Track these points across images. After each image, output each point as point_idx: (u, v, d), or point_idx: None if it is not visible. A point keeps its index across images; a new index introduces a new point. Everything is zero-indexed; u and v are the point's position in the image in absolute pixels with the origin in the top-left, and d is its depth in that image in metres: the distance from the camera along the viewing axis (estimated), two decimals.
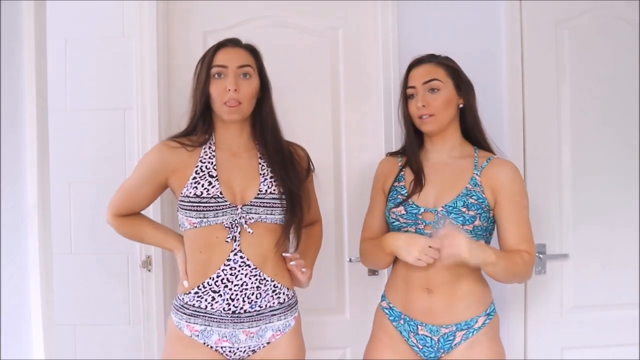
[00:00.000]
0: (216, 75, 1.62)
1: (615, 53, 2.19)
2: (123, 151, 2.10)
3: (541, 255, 2.16)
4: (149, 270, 2.08)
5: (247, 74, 1.64)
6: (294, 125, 2.15)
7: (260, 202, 1.61)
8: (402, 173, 1.74)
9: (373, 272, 2.14)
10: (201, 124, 1.66)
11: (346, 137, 2.17)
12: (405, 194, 1.68)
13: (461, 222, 1.60)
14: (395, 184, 1.73)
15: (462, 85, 1.68)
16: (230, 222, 1.60)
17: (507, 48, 2.15)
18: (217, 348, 1.64)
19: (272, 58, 2.12)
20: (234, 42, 1.68)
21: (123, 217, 1.72)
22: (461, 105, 1.69)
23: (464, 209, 1.61)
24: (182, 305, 1.65)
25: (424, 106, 1.66)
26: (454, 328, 1.63)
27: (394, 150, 1.91)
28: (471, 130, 1.72)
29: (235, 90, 1.60)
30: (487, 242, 1.68)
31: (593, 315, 2.18)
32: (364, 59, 2.17)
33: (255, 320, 1.64)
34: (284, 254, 1.66)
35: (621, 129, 2.19)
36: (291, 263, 1.64)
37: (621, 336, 2.17)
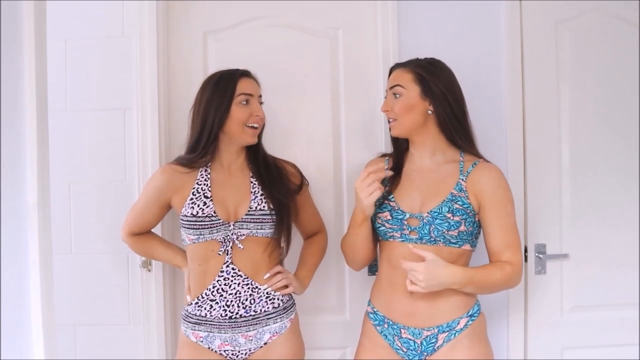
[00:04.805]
0: (244, 102, 1.74)
1: (615, 53, 2.19)
2: (123, 151, 2.10)
3: (541, 255, 2.16)
4: (149, 270, 2.08)
5: (261, 102, 1.81)
6: (294, 125, 2.17)
7: (251, 218, 1.73)
8: (388, 177, 1.74)
9: (373, 272, 2.14)
10: (211, 143, 1.74)
11: (346, 137, 2.17)
12: (392, 199, 1.69)
13: (446, 227, 1.60)
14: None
15: (430, 92, 1.65)
16: (223, 237, 1.72)
17: (507, 48, 2.15)
18: (221, 352, 1.75)
19: (272, 58, 2.14)
20: (249, 74, 1.81)
21: (136, 236, 1.88)
22: (429, 112, 1.66)
23: (449, 215, 1.61)
24: (187, 315, 1.79)
25: (387, 111, 1.70)
26: (436, 330, 1.63)
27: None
28: (446, 135, 1.68)
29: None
30: (473, 246, 1.68)
31: (593, 315, 2.18)
32: (364, 59, 2.17)
33: (251, 325, 1.75)
34: (264, 277, 1.76)
35: (621, 129, 2.19)
36: (266, 288, 1.76)
37: (621, 336, 2.17)
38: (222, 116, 1.72)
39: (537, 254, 2.17)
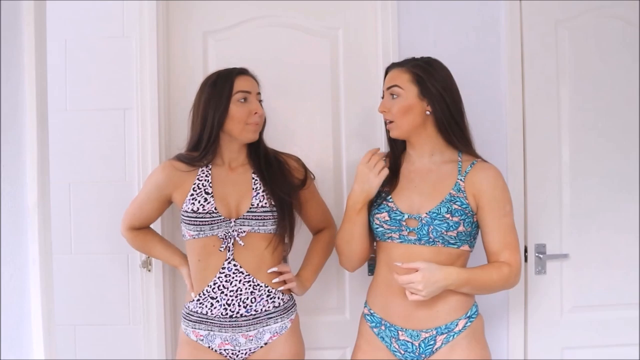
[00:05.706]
0: (242, 100, 1.74)
1: (615, 53, 2.19)
2: (123, 151, 2.10)
3: (541, 255, 2.16)
4: (149, 270, 2.08)
5: (260, 100, 1.81)
6: (294, 125, 2.17)
7: (253, 215, 1.73)
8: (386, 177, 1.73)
9: (373, 271, 2.14)
10: (212, 144, 1.74)
11: (346, 136, 2.18)
12: (390, 200, 1.68)
13: (445, 228, 1.60)
14: (379, 187, 1.72)
15: (428, 92, 1.63)
16: (224, 234, 1.72)
17: (507, 48, 2.15)
18: (221, 351, 1.75)
19: (272, 58, 2.14)
20: (246, 71, 1.80)
21: (136, 231, 1.88)
22: (428, 112, 1.65)
23: (447, 215, 1.60)
24: (188, 313, 1.79)
25: (384, 112, 1.69)
26: (435, 332, 1.63)
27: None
28: (444, 136, 1.67)
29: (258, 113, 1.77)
30: (471, 246, 1.67)
31: (593, 315, 2.18)
32: (364, 59, 2.17)
33: (252, 324, 1.74)
34: (268, 271, 1.76)
35: (621, 129, 2.19)
36: (274, 280, 1.76)
37: (621, 336, 2.17)
38: (221, 116, 1.72)
39: (537, 254, 2.17)
